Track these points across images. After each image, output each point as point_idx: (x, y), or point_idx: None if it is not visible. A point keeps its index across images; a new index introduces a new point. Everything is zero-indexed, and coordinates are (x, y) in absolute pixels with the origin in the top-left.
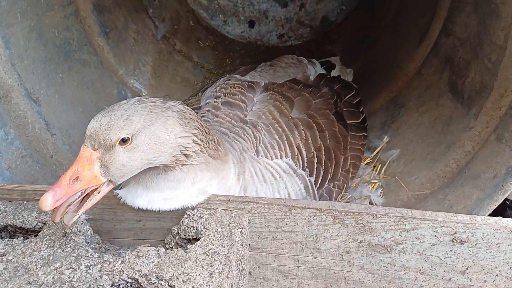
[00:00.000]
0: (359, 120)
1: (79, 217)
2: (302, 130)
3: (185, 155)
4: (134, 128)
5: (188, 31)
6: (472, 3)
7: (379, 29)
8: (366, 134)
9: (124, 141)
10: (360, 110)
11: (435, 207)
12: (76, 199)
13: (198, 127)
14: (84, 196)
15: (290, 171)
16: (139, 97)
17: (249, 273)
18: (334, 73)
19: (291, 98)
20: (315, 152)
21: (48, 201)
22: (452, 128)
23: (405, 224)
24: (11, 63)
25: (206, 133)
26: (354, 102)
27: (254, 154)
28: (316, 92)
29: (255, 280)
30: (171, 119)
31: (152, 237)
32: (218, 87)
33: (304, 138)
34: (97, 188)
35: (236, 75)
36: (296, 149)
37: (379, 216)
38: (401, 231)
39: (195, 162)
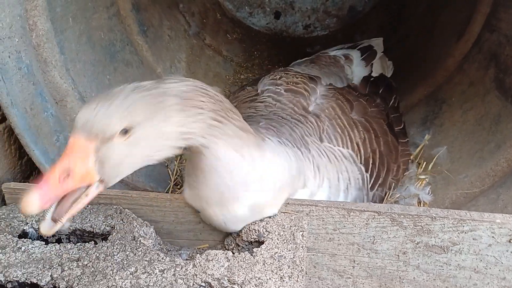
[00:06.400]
0: (402, 126)
1: (63, 225)
2: (361, 130)
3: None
4: (134, 120)
5: (216, 24)
6: None
7: (411, 21)
8: (408, 139)
9: (124, 133)
10: (401, 112)
11: (487, 207)
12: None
13: (203, 101)
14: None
15: (350, 159)
16: (134, 84)
17: (305, 272)
18: (375, 67)
19: (351, 101)
20: (371, 154)
21: (34, 203)
22: (501, 127)
23: (463, 226)
24: (65, 68)
25: (220, 100)
26: (396, 105)
27: (317, 140)
28: (371, 101)
29: (310, 279)
30: (171, 108)
31: (211, 238)
32: (278, 76)
33: (362, 138)
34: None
35: (292, 68)
36: (356, 146)
37: (438, 218)
38: (458, 233)
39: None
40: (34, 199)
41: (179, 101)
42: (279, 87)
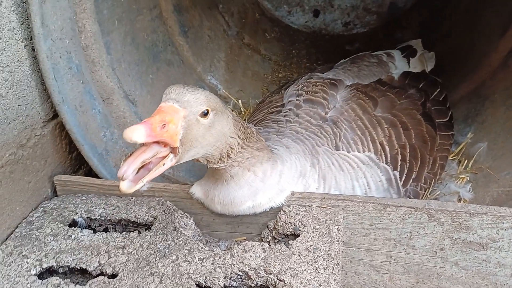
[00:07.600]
0: (447, 118)
1: (143, 185)
2: (386, 127)
3: (228, 155)
4: (212, 105)
5: (255, 23)
6: None
7: (453, 17)
8: (453, 132)
9: (204, 114)
10: (447, 106)
11: None
12: (147, 159)
13: (240, 128)
14: (142, 167)
15: (369, 163)
16: None
17: (341, 267)
18: (412, 62)
19: (375, 98)
20: (399, 149)
21: (141, 132)
22: None
23: (503, 223)
24: (111, 68)
25: (244, 128)
26: (441, 99)
27: (331, 149)
28: (402, 93)
29: (346, 274)
30: (230, 117)
31: (249, 231)
32: (300, 85)
33: (388, 135)
34: (163, 159)
35: (317, 73)
36: (379, 145)
37: (476, 214)
38: (498, 229)
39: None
40: (141, 129)
41: (233, 118)
42: (299, 98)
